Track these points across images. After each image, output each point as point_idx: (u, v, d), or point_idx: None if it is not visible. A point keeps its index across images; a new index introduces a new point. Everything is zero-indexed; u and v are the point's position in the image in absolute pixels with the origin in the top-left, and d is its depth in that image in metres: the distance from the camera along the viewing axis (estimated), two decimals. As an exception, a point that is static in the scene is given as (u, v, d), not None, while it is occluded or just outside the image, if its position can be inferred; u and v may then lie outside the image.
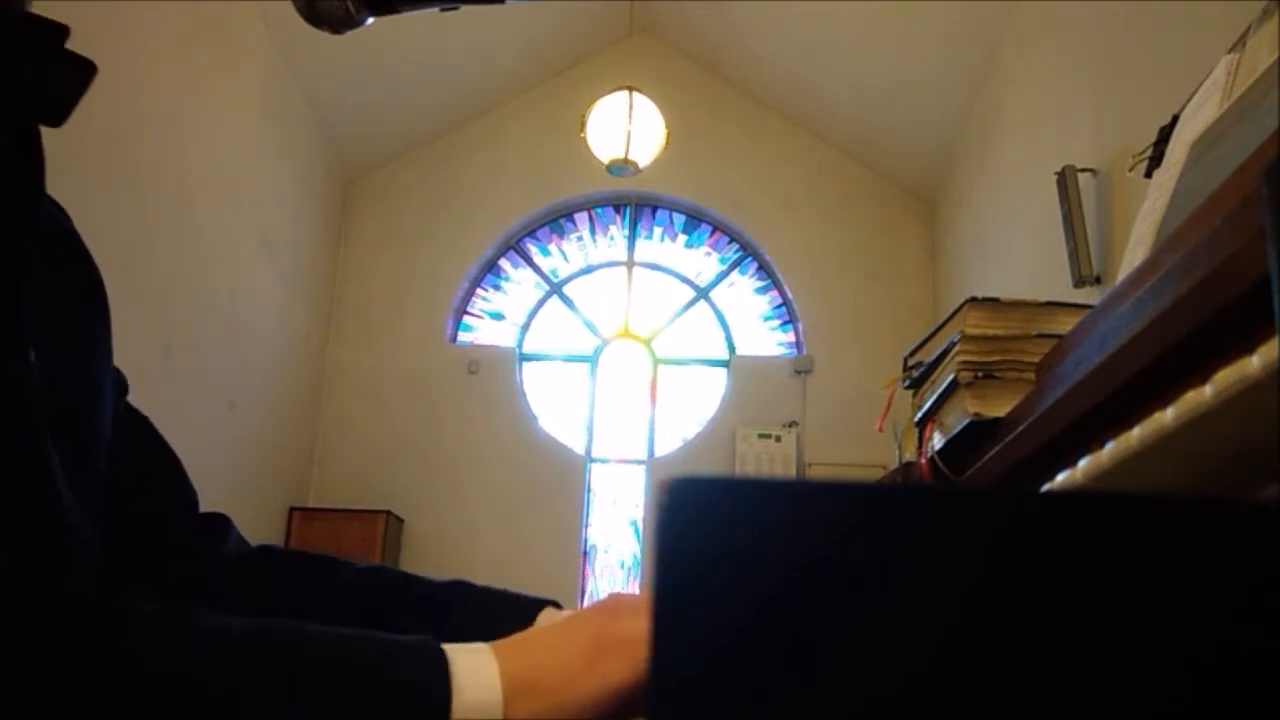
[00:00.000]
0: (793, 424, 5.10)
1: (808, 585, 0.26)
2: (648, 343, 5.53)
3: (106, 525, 0.66)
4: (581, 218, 5.66)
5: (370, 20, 0.68)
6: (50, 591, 0.46)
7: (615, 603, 0.56)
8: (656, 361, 5.50)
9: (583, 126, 4.51)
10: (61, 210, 0.70)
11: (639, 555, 5.19)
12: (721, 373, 5.41)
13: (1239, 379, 0.44)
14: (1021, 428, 0.80)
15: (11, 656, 0.42)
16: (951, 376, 1.11)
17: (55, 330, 0.63)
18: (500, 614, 0.72)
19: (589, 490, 5.25)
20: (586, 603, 4.61)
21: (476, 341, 5.46)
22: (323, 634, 0.48)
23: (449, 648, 0.49)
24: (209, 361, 3.97)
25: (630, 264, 5.63)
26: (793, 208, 5.43)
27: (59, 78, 0.60)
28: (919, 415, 1.24)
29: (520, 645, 0.51)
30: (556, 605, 0.77)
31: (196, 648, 0.45)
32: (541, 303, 5.58)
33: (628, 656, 0.50)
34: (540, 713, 0.49)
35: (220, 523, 0.80)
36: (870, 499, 0.27)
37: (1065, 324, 1.07)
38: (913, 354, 1.28)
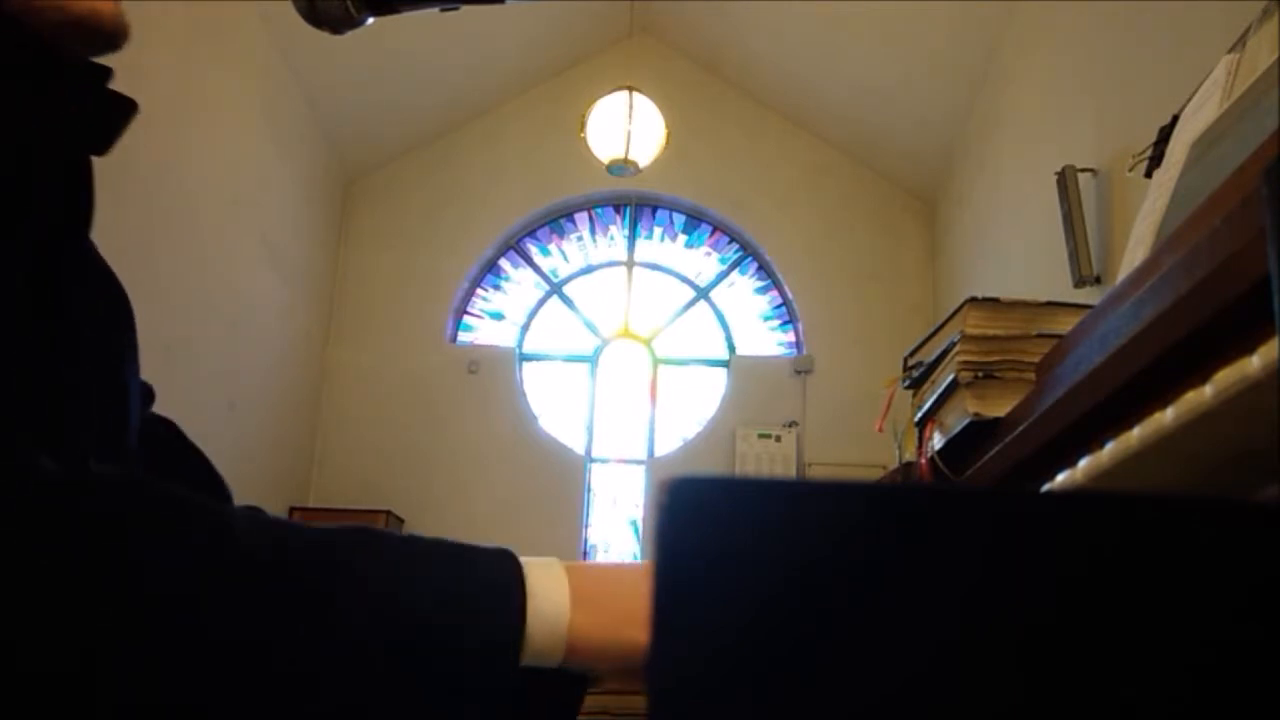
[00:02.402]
0: (793, 424, 5.10)
1: (808, 585, 0.26)
2: (648, 343, 5.53)
3: None
4: (581, 218, 5.66)
5: (370, 20, 0.68)
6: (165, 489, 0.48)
7: None
8: (656, 361, 5.50)
9: (583, 126, 4.51)
10: (90, 243, 0.74)
11: (639, 555, 5.19)
12: (721, 373, 5.41)
13: (1239, 379, 0.44)
14: (1021, 428, 0.80)
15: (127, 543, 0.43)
16: (951, 376, 1.11)
17: (89, 343, 0.66)
18: None
19: (589, 490, 5.25)
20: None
21: (476, 341, 5.46)
22: (396, 536, 0.51)
23: (523, 559, 0.52)
24: (209, 361, 3.97)
25: (630, 264, 5.63)
26: (793, 208, 5.43)
27: (104, 114, 0.67)
28: (919, 415, 1.24)
29: (589, 567, 0.55)
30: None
31: (292, 533, 0.48)
32: (541, 303, 5.58)
33: None
34: (602, 630, 0.51)
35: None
36: (870, 499, 0.27)
37: (1065, 324, 1.07)
38: (913, 354, 1.28)
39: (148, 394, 0.80)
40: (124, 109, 0.68)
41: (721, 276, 5.57)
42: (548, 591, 0.51)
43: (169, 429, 0.81)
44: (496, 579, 0.50)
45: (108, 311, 0.72)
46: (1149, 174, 1.06)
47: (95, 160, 0.69)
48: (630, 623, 0.52)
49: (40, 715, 0.41)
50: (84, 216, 0.66)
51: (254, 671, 0.44)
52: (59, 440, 0.59)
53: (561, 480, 5.16)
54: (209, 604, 0.44)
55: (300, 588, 0.46)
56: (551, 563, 0.53)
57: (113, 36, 0.65)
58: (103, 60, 0.67)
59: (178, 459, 0.80)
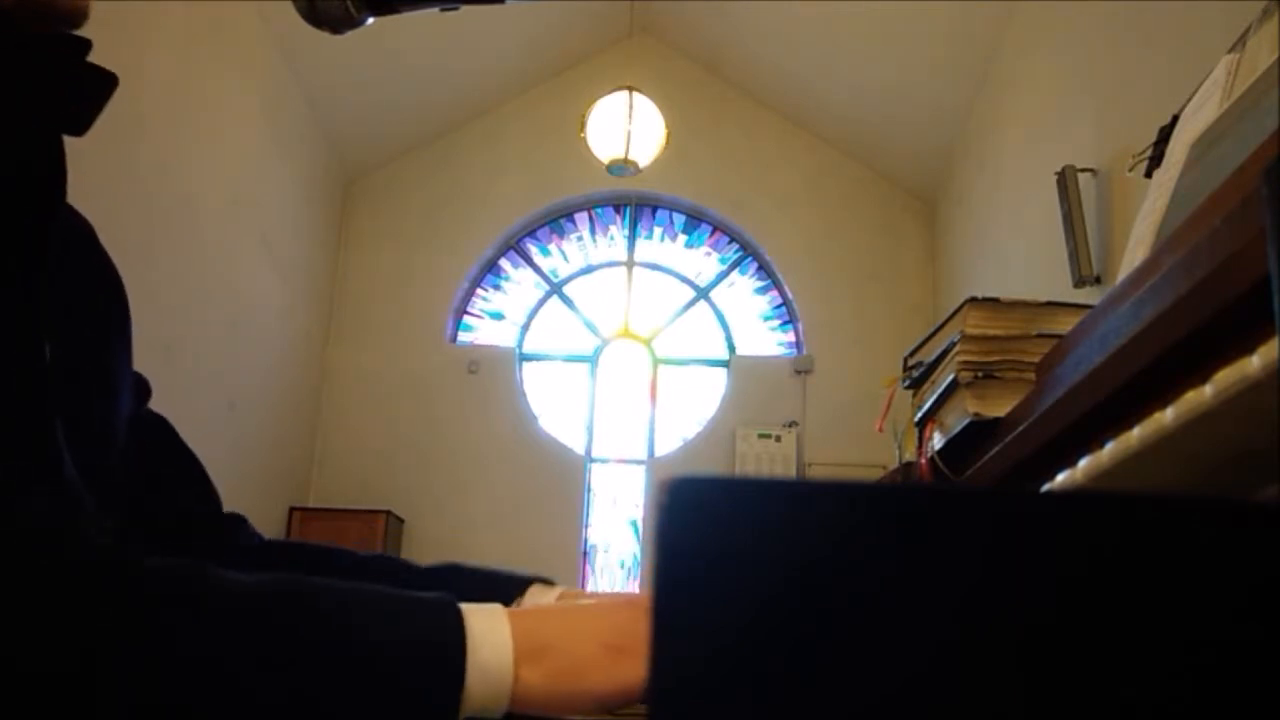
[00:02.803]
0: (793, 424, 5.10)
1: (808, 585, 0.26)
2: (648, 343, 5.53)
3: (131, 525, 0.68)
4: (581, 218, 5.66)
5: (370, 20, 0.68)
6: (67, 542, 0.47)
7: (643, 599, 0.56)
8: (656, 361, 5.50)
9: (583, 126, 4.51)
10: (85, 221, 0.72)
11: (639, 555, 5.18)
12: (721, 373, 5.41)
13: (1239, 379, 0.44)
14: (1021, 428, 0.80)
15: (33, 603, 0.42)
16: (951, 376, 1.11)
17: (74, 328, 0.65)
18: (492, 592, 0.74)
19: (589, 490, 5.25)
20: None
21: (476, 341, 5.46)
22: (341, 586, 0.49)
23: (465, 607, 0.50)
24: (209, 361, 3.97)
25: (630, 264, 5.63)
26: (793, 208, 5.43)
27: (81, 89, 0.64)
28: (919, 415, 1.24)
29: (536, 614, 0.53)
30: (547, 582, 0.78)
31: (213, 593, 0.46)
32: (541, 303, 5.57)
33: (644, 657, 0.50)
34: (547, 681, 0.49)
35: (235, 522, 0.83)
36: (870, 499, 0.27)
37: (1065, 324, 1.07)
38: (913, 354, 1.28)
39: (142, 388, 0.78)
40: (104, 83, 0.65)
41: (721, 276, 5.57)
42: (492, 644, 0.49)
43: (162, 426, 0.80)
44: (436, 630, 0.48)
45: (99, 303, 0.71)
46: (1149, 174, 1.06)
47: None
48: (582, 672, 0.50)
49: None
50: (58, 194, 0.63)
51: None
52: (35, 426, 0.58)
53: (561, 480, 5.16)
54: (116, 666, 0.42)
55: (228, 644, 0.44)
56: (496, 610, 0.51)
57: (68, 15, 0.63)
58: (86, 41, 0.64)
59: (167, 458, 0.79)
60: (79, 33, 0.64)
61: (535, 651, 0.50)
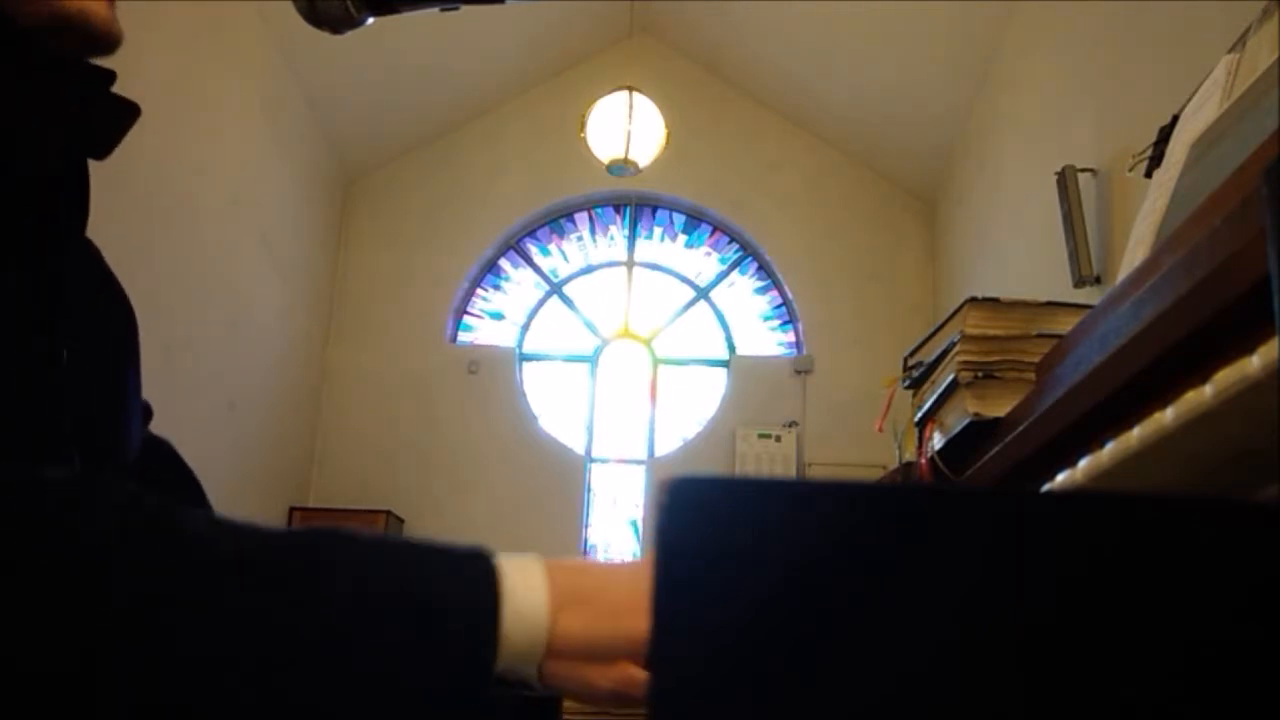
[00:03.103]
0: (793, 424, 5.10)
1: (808, 585, 0.26)
2: (648, 343, 5.52)
3: None
4: (581, 218, 5.66)
5: (370, 20, 0.68)
6: (108, 488, 0.47)
7: None
8: (656, 361, 5.50)
9: (583, 126, 4.51)
10: (95, 248, 0.74)
11: (639, 555, 5.18)
12: (721, 373, 5.41)
13: (1239, 379, 0.44)
14: (1021, 428, 0.80)
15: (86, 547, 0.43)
16: (951, 376, 1.11)
17: (88, 346, 0.66)
18: None
19: (589, 490, 5.25)
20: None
21: (476, 341, 5.46)
22: (371, 536, 0.50)
23: (500, 556, 0.50)
24: (209, 361, 3.97)
25: (630, 264, 5.62)
26: (793, 208, 5.43)
27: (105, 117, 0.67)
28: (919, 415, 1.24)
29: (571, 564, 0.53)
30: None
31: (244, 543, 0.46)
32: (541, 303, 5.57)
33: None
34: (586, 625, 0.50)
35: None
36: (870, 499, 0.27)
37: (1065, 324, 1.07)
38: (913, 354, 1.28)
39: (145, 412, 0.79)
40: (126, 113, 0.69)
41: (721, 276, 5.57)
42: (525, 589, 0.49)
43: (164, 450, 0.81)
44: (469, 579, 0.48)
45: (111, 326, 0.72)
46: (1149, 174, 1.06)
47: (95, 161, 0.69)
48: (621, 613, 0.50)
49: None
50: (79, 221, 0.67)
51: (215, 681, 0.43)
52: (51, 452, 0.59)
53: (561, 480, 5.16)
54: (174, 611, 0.43)
55: (261, 594, 0.44)
56: (530, 560, 0.51)
57: (105, 39, 0.65)
58: (105, 63, 0.67)
59: (169, 482, 0.80)
60: (104, 63, 0.67)
61: (571, 597, 0.50)
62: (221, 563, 0.45)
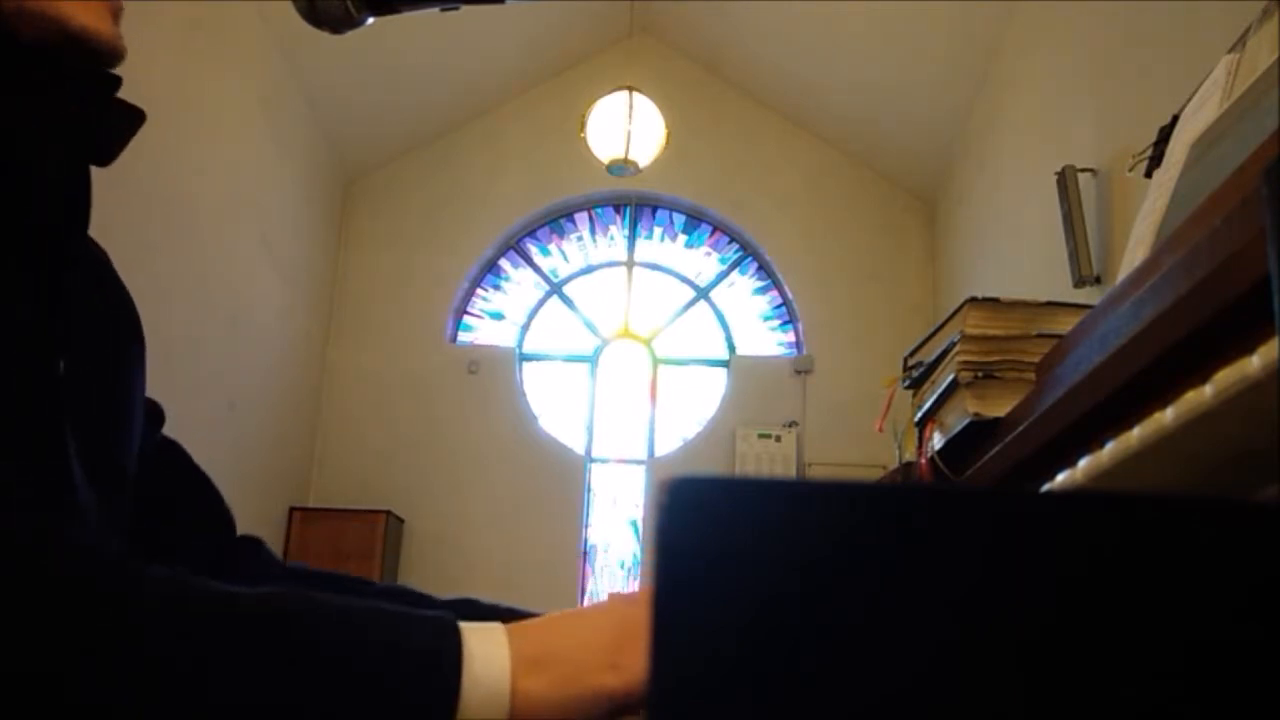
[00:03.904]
0: (793, 424, 5.10)
1: (808, 585, 0.26)
2: (648, 343, 5.53)
3: (143, 550, 0.68)
4: (581, 218, 5.66)
5: (370, 20, 0.68)
6: (68, 548, 0.46)
7: (643, 595, 0.56)
8: (656, 361, 5.50)
9: (583, 126, 4.51)
10: (101, 249, 0.75)
11: (639, 555, 5.19)
12: (721, 373, 5.41)
13: (1239, 379, 0.44)
14: (1021, 428, 0.80)
15: (29, 608, 0.42)
16: (951, 376, 1.11)
17: (88, 354, 0.67)
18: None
19: (589, 490, 5.25)
20: (586, 604, 4.62)
21: (476, 341, 5.46)
22: (335, 601, 0.49)
23: (464, 625, 0.49)
24: (209, 361, 3.97)
25: (630, 264, 5.63)
26: (793, 208, 5.43)
27: (111, 123, 0.68)
28: (919, 415, 1.24)
29: (535, 625, 0.52)
30: None
31: (209, 605, 0.46)
32: (541, 303, 5.58)
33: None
34: (551, 689, 0.49)
35: (252, 545, 0.83)
36: (870, 499, 0.27)
37: (1065, 324, 1.07)
38: (913, 354, 1.28)
39: (156, 414, 0.80)
40: (131, 119, 0.69)
41: (721, 276, 5.57)
42: (486, 656, 0.48)
43: (175, 451, 0.81)
44: (431, 644, 0.48)
45: (114, 329, 0.72)
46: (1149, 174, 1.06)
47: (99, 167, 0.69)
48: (587, 672, 0.49)
49: None
50: (80, 226, 0.67)
51: None
52: (49, 457, 0.59)
53: (561, 480, 5.16)
54: (120, 668, 0.42)
55: (222, 662, 0.44)
56: (493, 627, 0.50)
57: (109, 56, 0.66)
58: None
59: (180, 484, 0.80)
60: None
61: (536, 661, 0.49)
62: (182, 621, 0.44)
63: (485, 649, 0.49)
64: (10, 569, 0.43)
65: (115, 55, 0.67)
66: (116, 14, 0.67)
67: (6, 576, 0.43)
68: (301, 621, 0.47)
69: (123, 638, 0.43)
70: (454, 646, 0.48)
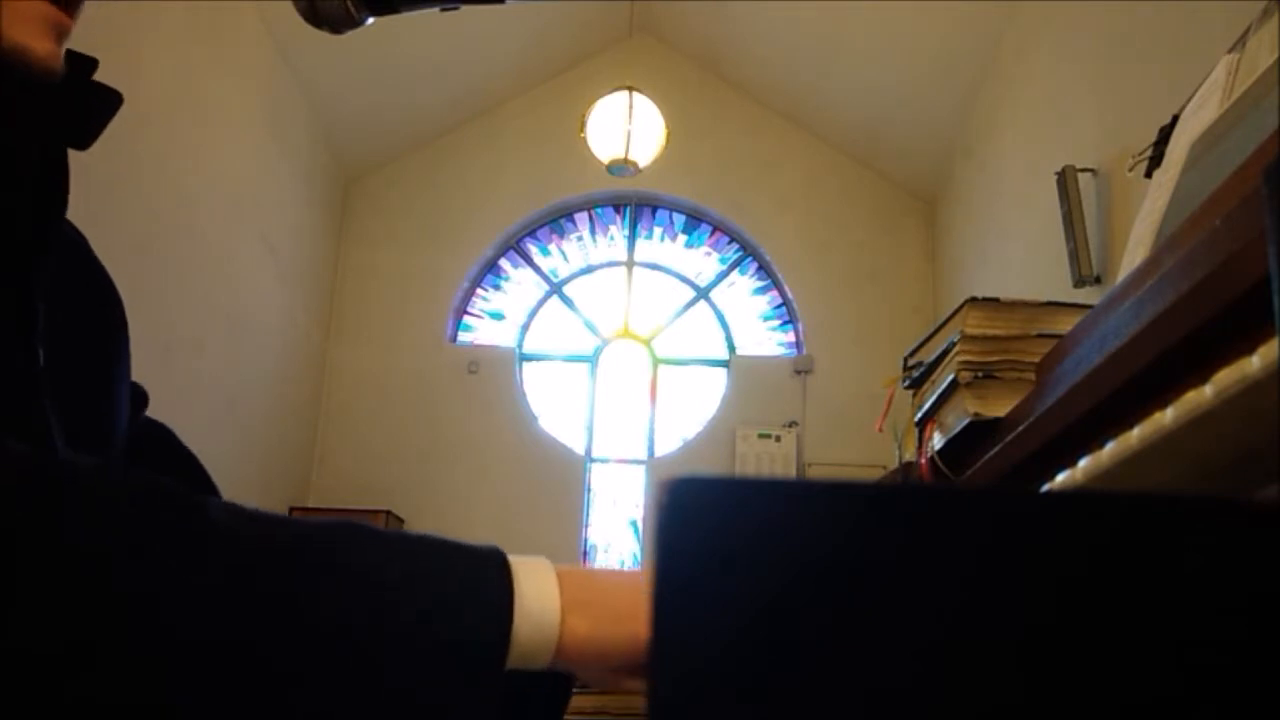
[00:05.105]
0: (793, 424, 5.10)
1: (807, 585, 0.26)
2: (648, 343, 5.52)
3: None
4: (581, 218, 5.66)
5: (370, 20, 0.68)
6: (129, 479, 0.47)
7: None
8: (656, 361, 5.50)
9: (583, 126, 4.51)
10: (81, 235, 0.74)
11: (639, 555, 5.19)
12: (721, 373, 5.41)
13: (1239, 379, 0.44)
14: (1021, 428, 0.80)
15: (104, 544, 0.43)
16: (951, 376, 1.11)
17: (68, 337, 0.66)
18: None
19: (589, 490, 5.25)
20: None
21: (476, 341, 5.46)
22: (389, 532, 0.50)
23: (512, 557, 0.51)
24: (209, 361, 3.97)
25: (630, 264, 5.63)
26: (793, 208, 5.43)
27: (87, 106, 0.67)
28: (919, 415, 1.24)
29: (577, 570, 0.53)
30: None
31: (266, 525, 0.48)
32: (541, 303, 5.57)
33: None
34: (595, 629, 0.51)
35: None
36: (870, 499, 0.27)
37: (1065, 324, 1.07)
38: (913, 354, 1.28)
39: (140, 398, 0.79)
40: (108, 101, 0.68)
41: (721, 276, 5.57)
42: (536, 591, 0.50)
43: (160, 432, 0.81)
44: (483, 578, 0.49)
45: (96, 312, 0.72)
46: (1149, 174, 1.06)
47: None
48: (624, 618, 0.51)
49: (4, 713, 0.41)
50: (57, 211, 0.65)
51: (231, 668, 0.43)
52: (31, 431, 0.59)
53: (561, 480, 5.16)
54: (187, 598, 0.43)
55: (282, 582, 0.45)
56: (541, 562, 0.52)
57: (38, 75, 0.63)
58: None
59: (168, 464, 0.80)
60: (87, 52, 0.67)
61: (580, 600, 0.51)
62: (238, 550, 0.45)
63: (535, 583, 0.50)
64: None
65: (48, 75, 0.64)
66: (60, 32, 0.64)
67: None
68: (353, 547, 0.48)
69: (171, 568, 0.44)
70: (506, 579, 0.49)
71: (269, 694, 0.43)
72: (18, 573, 0.41)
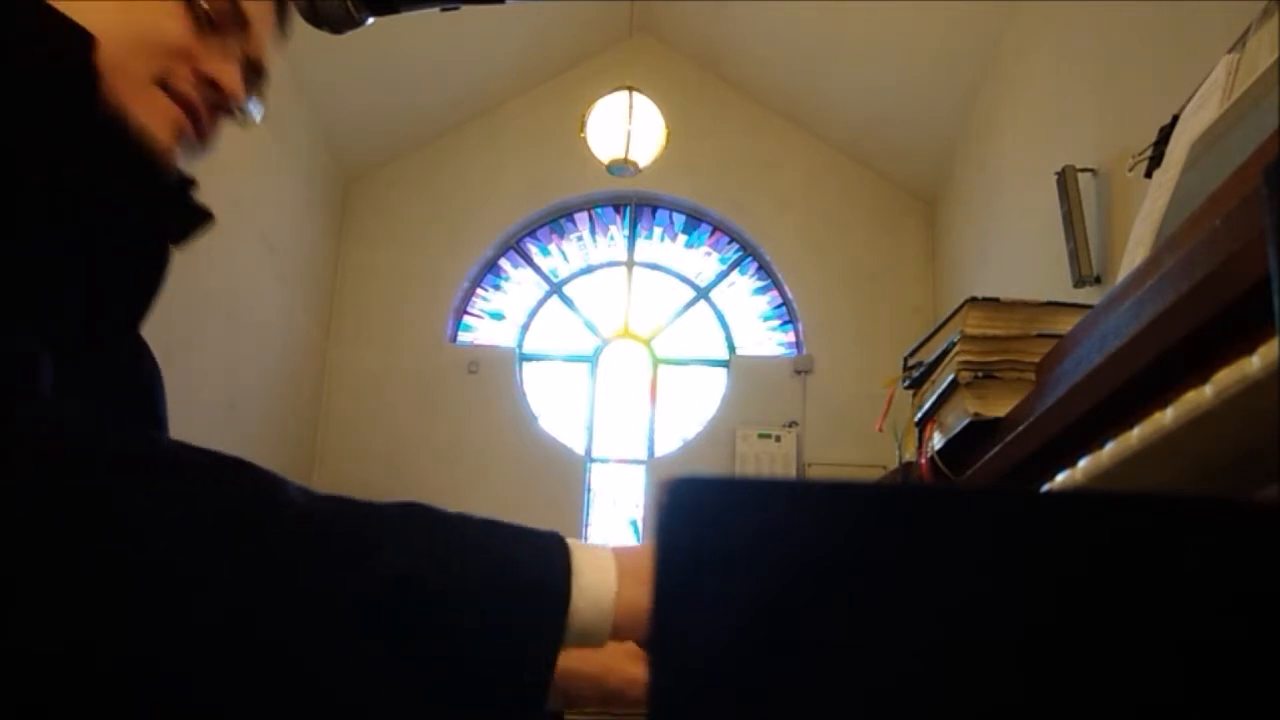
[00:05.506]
0: (793, 424, 5.09)
1: (807, 585, 0.26)
2: (648, 343, 5.52)
3: None
4: (581, 218, 5.66)
5: (370, 20, 0.68)
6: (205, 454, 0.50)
7: None
8: (656, 361, 5.50)
9: (583, 126, 4.51)
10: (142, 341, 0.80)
11: (639, 555, 5.18)
12: (721, 373, 5.41)
13: (1239, 379, 0.44)
14: (1021, 428, 0.80)
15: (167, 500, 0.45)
16: (951, 376, 1.11)
17: (121, 412, 0.69)
18: None
19: (589, 490, 5.24)
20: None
21: (476, 341, 5.46)
22: (450, 513, 0.54)
23: (572, 540, 0.53)
24: (209, 361, 3.97)
25: (630, 264, 5.62)
26: (793, 208, 5.43)
27: (186, 218, 0.76)
28: (919, 415, 1.24)
29: (630, 548, 0.56)
30: None
31: (343, 503, 0.51)
32: (541, 303, 5.57)
33: None
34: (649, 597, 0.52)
35: None
36: (870, 499, 0.27)
37: (1065, 324, 1.07)
38: (913, 354, 1.28)
39: None
40: (202, 216, 0.76)
41: (721, 276, 5.57)
42: (594, 569, 0.52)
43: None
44: (542, 553, 0.51)
45: (141, 385, 0.76)
46: (1149, 174, 1.06)
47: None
48: None
49: (41, 685, 0.41)
50: (152, 294, 0.72)
51: (299, 635, 0.45)
52: None
53: (561, 480, 5.16)
54: (252, 566, 0.45)
55: (348, 552, 0.47)
56: (600, 546, 0.55)
57: (150, 161, 0.69)
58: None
59: None
60: (187, 172, 0.75)
61: (636, 572, 0.53)
62: (312, 527, 0.47)
63: (592, 561, 0.52)
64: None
65: (158, 163, 0.70)
66: (180, 132, 0.71)
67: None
68: (416, 522, 0.51)
69: (252, 546, 0.45)
70: (563, 558, 0.51)
71: (329, 656, 0.45)
72: (68, 551, 0.42)
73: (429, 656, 0.46)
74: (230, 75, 0.75)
